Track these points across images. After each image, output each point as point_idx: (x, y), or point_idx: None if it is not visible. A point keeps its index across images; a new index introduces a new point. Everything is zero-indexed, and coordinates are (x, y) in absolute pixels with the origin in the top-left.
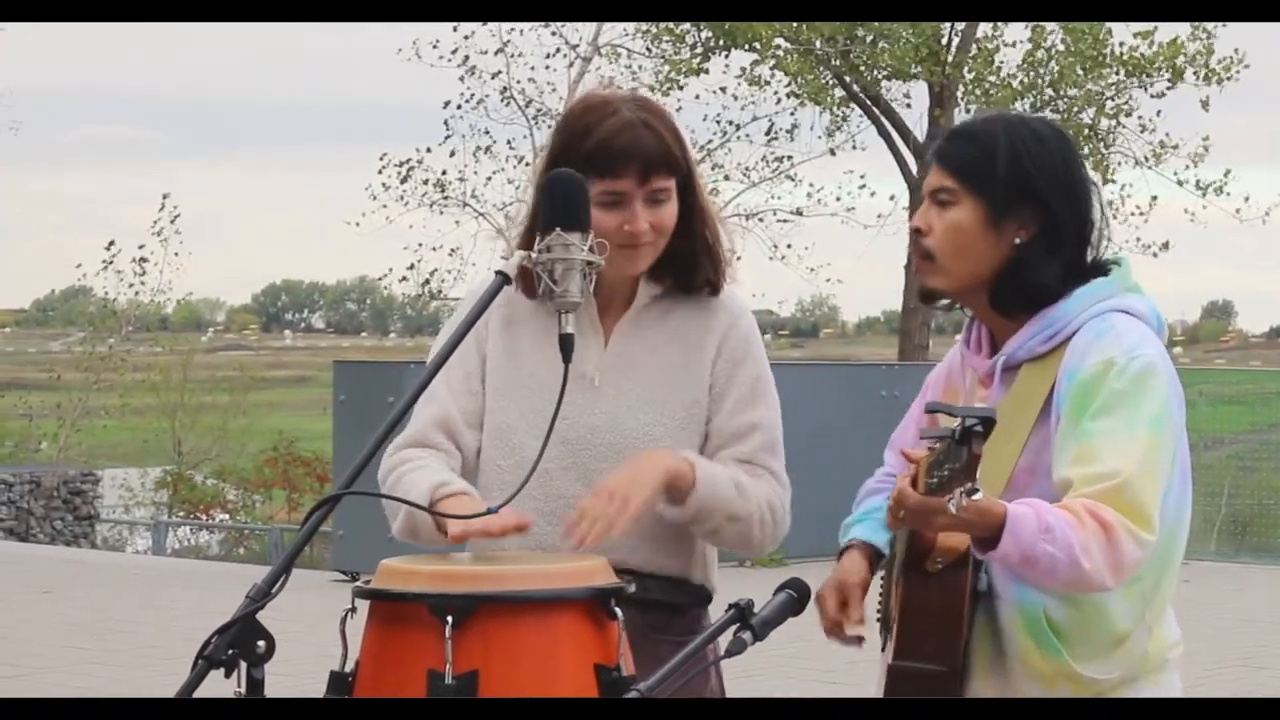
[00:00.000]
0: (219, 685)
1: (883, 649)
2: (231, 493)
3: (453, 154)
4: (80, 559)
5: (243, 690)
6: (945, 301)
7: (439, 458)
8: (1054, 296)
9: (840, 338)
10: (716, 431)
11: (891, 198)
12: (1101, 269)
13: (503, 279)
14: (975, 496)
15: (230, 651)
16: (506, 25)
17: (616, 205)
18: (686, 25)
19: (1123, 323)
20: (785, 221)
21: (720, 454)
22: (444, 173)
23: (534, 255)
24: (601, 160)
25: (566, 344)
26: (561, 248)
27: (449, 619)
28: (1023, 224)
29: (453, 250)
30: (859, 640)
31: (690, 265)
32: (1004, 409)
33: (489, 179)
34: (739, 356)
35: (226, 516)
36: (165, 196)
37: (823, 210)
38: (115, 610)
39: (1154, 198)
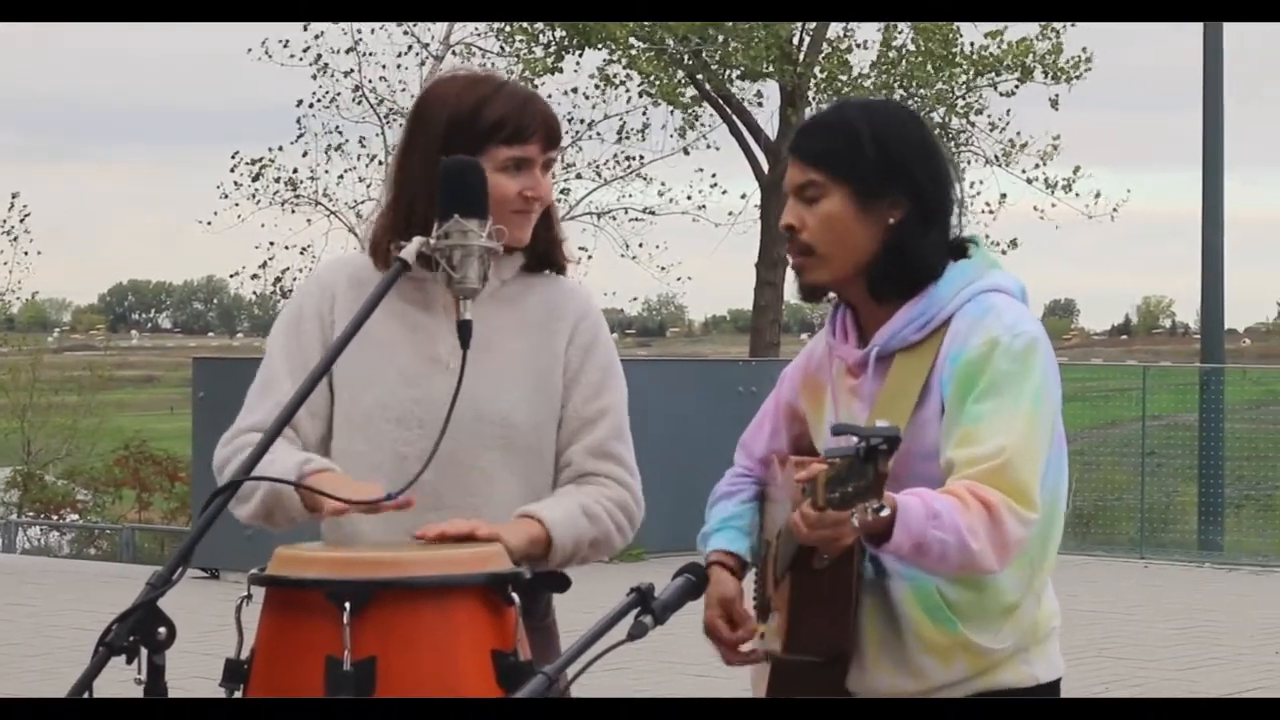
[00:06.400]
0: (119, 673)
1: (760, 635)
2: (82, 492)
3: (305, 153)
4: None
5: (143, 677)
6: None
7: (282, 444)
8: (933, 274)
9: (687, 336)
10: (571, 417)
11: (743, 196)
12: (961, 250)
13: (401, 265)
14: (883, 514)
15: (131, 638)
16: (358, 24)
17: (520, 170)
18: (540, 24)
19: (1001, 302)
20: (637, 220)
21: (572, 447)
22: (296, 171)
23: (432, 242)
24: (512, 127)
25: (464, 330)
26: (460, 234)
27: (346, 605)
28: (894, 204)
29: (304, 249)
30: (764, 656)
31: (549, 243)
32: (883, 398)
33: (341, 177)
34: (590, 343)
35: (77, 516)
36: (15, 196)
37: (674, 209)
38: None
39: (1003, 195)
